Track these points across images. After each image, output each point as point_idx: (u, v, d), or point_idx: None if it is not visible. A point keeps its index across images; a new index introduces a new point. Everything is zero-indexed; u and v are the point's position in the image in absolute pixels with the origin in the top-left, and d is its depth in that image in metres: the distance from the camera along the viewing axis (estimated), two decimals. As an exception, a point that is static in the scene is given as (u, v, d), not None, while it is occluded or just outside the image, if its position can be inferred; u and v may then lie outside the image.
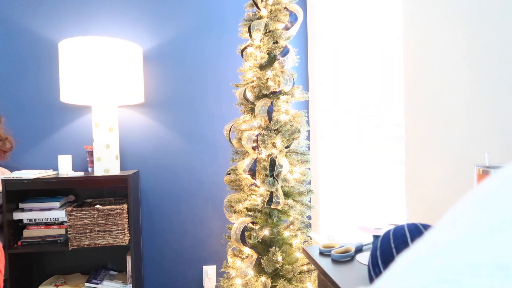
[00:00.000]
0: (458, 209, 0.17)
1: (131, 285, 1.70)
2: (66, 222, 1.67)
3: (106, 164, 1.69)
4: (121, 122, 1.96)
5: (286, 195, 1.49)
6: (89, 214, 1.61)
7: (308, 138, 2.12)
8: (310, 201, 2.09)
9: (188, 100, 2.01)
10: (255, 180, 1.45)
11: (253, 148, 1.44)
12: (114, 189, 1.93)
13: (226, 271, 1.86)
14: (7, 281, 1.58)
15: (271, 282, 1.40)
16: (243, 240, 1.40)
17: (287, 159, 1.48)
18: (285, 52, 1.47)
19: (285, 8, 1.47)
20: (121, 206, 1.64)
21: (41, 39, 1.88)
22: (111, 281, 1.73)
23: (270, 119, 1.42)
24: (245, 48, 1.52)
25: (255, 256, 1.44)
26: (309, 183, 2.07)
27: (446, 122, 0.90)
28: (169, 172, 2.00)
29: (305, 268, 1.43)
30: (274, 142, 1.43)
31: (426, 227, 0.65)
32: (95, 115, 1.69)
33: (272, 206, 1.40)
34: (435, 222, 0.96)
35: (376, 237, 0.86)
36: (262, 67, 1.51)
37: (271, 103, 1.42)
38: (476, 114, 0.81)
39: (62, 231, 1.68)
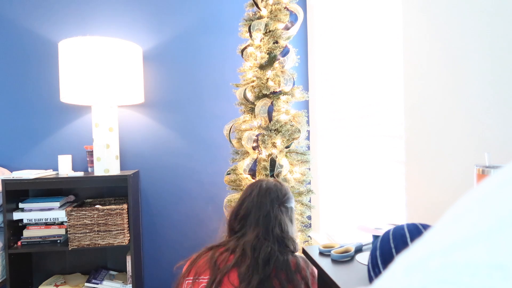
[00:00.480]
0: (458, 209, 0.17)
1: (131, 285, 1.70)
2: (66, 222, 1.67)
3: (106, 164, 1.69)
4: (121, 122, 1.96)
5: (286, 195, 1.49)
6: (89, 214, 1.61)
7: (308, 138, 2.12)
8: (310, 201, 2.09)
9: (188, 100, 2.01)
10: (255, 180, 1.45)
11: (253, 148, 1.44)
12: (114, 189, 1.93)
13: (226, 271, 1.86)
14: (7, 281, 1.58)
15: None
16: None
17: (287, 159, 1.48)
18: (285, 52, 1.47)
19: (285, 8, 1.47)
20: (121, 206, 1.64)
21: (41, 39, 1.88)
22: (111, 281, 1.73)
23: (270, 119, 1.42)
24: (245, 48, 1.52)
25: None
26: (309, 183, 2.07)
27: (446, 122, 0.90)
28: (169, 172, 2.01)
29: (305, 268, 1.43)
30: (274, 142, 1.43)
31: (426, 227, 0.65)
32: (95, 115, 1.69)
33: (272, 206, 1.40)
34: (435, 222, 0.96)
35: (376, 237, 0.86)
36: (262, 67, 1.51)
37: (271, 103, 1.42)
38: (476, 114, 0.81)
39: (62, 231, 1.68)
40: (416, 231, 0.63)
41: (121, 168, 1.97)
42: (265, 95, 1.48)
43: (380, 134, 1.32)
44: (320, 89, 1.98)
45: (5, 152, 1.86)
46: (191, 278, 0.87)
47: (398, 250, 0.62)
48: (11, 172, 1.84)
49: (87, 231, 1.61)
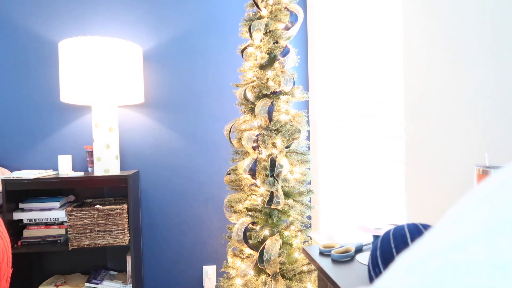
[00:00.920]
0: (458, 209, 0.17)
1: (131, 285, 1.70)
2: (66, 222, 1.67)
3: (106, 164, 1.69)
4: (121, 122, 1.96)
5: (286, 195, 1.49)
6: (89, 214, 1.61)
7: (308, 138, 2.12)
8: (310, 201, 2.09)
9: (188, 100, 2.01)
10: (255, 180, 1.45)
11: (253, 148, 1.44)
12: (114, 189, 1.93)
13: (226, 271, 1.86)
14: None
15: (271, 282, 1.40)
16: (245, 240, 1.40)
17: (287, 159, 1.48)
18: (285, 52, 1.47)
19: (285, 8, 1.47)
20: (121, 206, 1.64)
21: (41, 39, 1.88)
22: (111, 281, 1.73)
23: (270, 119, 1.42)
24: (245, 48, 1.52)
25: (256, 256, 1.44)
26: (309, 183, 2.07)
27: (446, 122, 0.90)
28: (169, 172, 2.00)
29: (305, 268, 1.43)
30: (274, 142, 1.43)
31: (426, 227, 0.65)
32: (95, 115, 1.69)
33: (272, 206, 1.40)
34: (435, 222, 0.96)
35: (376, 237, 0.86)
36: (262, 67, 1.51)
37: (272, 103, 1.42)
38: (476, 114, 0.81)
39: (62, 231, 1.68)
40: (417, 231, 0.63)
41: (121, 168, 1.97)
42: (265, 95, 1.48)
43: (380, 134, 1.32)
44: (320, 89, 1.98)
45: (5, 152, 1.86)
46: None
47: (399, 250, 0.62)
48: (11, 172, 1.84)
49: (87, 231, 1.61)
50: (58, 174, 1.75)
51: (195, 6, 2.01)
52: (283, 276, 1.41)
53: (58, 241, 1.67)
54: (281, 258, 1.41)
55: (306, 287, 1.40)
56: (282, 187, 1.47)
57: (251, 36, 1.48)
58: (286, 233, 1.47)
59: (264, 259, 1.34)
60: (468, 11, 0.82)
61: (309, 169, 2.09)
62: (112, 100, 1.70)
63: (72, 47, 1.56)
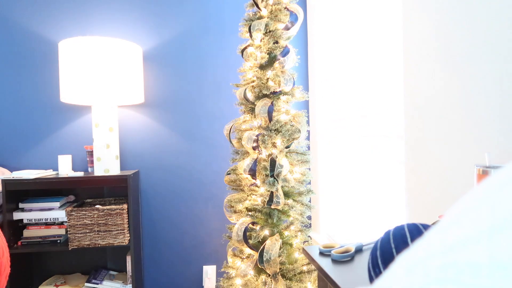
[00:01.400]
0: (458, 209, 0.17)
1: (131, 285, 1.70)
2: (66, 222, 1.67)
3: (106, 164, 1.69)
4: (121, 122, 1.96)
5: (286, 195, 1.49)
6: (89, 214, 1.61)
7: (308, 138, 2.12)
8: (310, 201, 2.09)
9: (188, 100, 2.01)
10: (255, 180, 1.45)
11: (253, 148, 1.44)
12: (114, 189, 1.93)
13: (226, 271, 1.86)
14: (7, 281, 1.58)
15: (271, 282, 1.40)
16: (245, 240, 1.40)
17: (287, 159, 1.48)
18: (285, 52, 1.47)
19: (285, 8, 1.47)
20: (121, 206, 1.64)
21: (41, 39, 1.88)
22: (111, 281, 1.73)
23: (270, 119, 1.43)
24: (245, 48, 1.52)
25: (256, 256, 1.44)
26: (309, 183, 2.07)
27: (446, 122, 0.90)
28: (169, 172, 2.00)
29: (305, 268, 1.43)
30: (274, 142, 1.43)
31: (426, 227, 0.65)
32: (95, 115, 1.69)
33: (272, 206, 1.40)
34: (435, 222, 0.96)
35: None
36: (262, 67, 1.51)
37: (271, 103, 1.42)
38: (476, 114, 0.81)
39: (62, 231, 1.68)
40: (416, 231, 0.63)
41: (121, 168, 1.97)
42: (265, 95, 1.48)
43: (380, 134, 1.32)
44: (320, 89, 1.98)
45: (5, 152, 1.86)
46: None
47: (399, 250, 0.62)
48: (11, 172, 1.84)
49: (87, 231, 1.61)
50: (58, 174, 1.75)
51: (195, 6, 2.01)
52: (283, 276, 1.41)
53: (58, 241, 1.67)
54: (281, 258, 1.41)
55: (306, 287, 1.40)
56: (282, 187, 1.47)
57: (251, 36, 1.48)
58: (286, 233, 1.47)
59: (264, 259, 1.34)
60: (468, 11, 0.82)
61: (309, 169, 2.09)
62: (112, 100, 1.70)
63: (72, 47, 1.56)
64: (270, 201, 1.39)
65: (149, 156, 1.98)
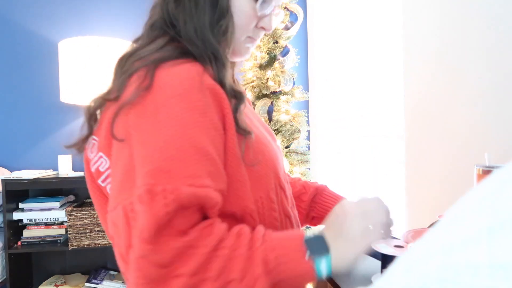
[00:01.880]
0: (458, 209, 0.17)
1: (131, 285, 1.69)
2: (66, 222, 1.67)
3: (106, 164, 1.68)
4: (121, 122, 1.96)
5: (286, 195, 1.49)
6: (89, 214, 1.61)
7: (308, 138, 2.12)
8: (310, 201, 2.08)
9: (188, 100, 2.01)
10: (255, 180, 1.44)
11: (253, 148, 1.44)
12: (114, 189, 1.92)
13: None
14: (7, 281, 1.58)
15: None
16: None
17: (287, 159, 1.48)
18: (285, 52, 1.47)
19: (285, 8, 1.47)
20: (121, 206, 1.64)
21: (41, 39, 1.88)
22: (111, 281, 1.73)
23: (270, 119, 1.42)
24: (245, 48, 1.52)
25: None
26: (309, 183, 2.07)
27: (446, 122, 0.90)
28: (169, 172, 2.00)
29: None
30: (274, 142, 1.43)
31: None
32: (95, 115, 1.68)
33: (272, 206, 1.40)
34: (435, 222, 0.96)
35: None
36: (262, 67, 1.51)
37: (271, 103, 1.42)
38: (476, 114, 0.81)
39: (62, 231, 1.67)
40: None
41: (121, 168, 1.96)
42: (265, 95, 1.48)
43: (380, 134, 1.32)
44: (320, 89, 1.98)
45: (5, 152, 1.86)
46: None
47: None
48: (11, 172, 1.84)
49: (87, 231, 1.61)
50: (58, 174, 1.75)
51: (195, 6, 2.01)
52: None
53: (58, 241, 1.66)
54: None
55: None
56: (282, 187, 1.47)
57: (251, 36, 1.47)
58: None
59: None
60: (468, 12, 0.82)
61: (309, 169, 2.09)
62: (112, 100, 1.70)
63: (72, 47, 1.56)
64: (270, 201, 1.39)
65: (149, 156, 1.98)
